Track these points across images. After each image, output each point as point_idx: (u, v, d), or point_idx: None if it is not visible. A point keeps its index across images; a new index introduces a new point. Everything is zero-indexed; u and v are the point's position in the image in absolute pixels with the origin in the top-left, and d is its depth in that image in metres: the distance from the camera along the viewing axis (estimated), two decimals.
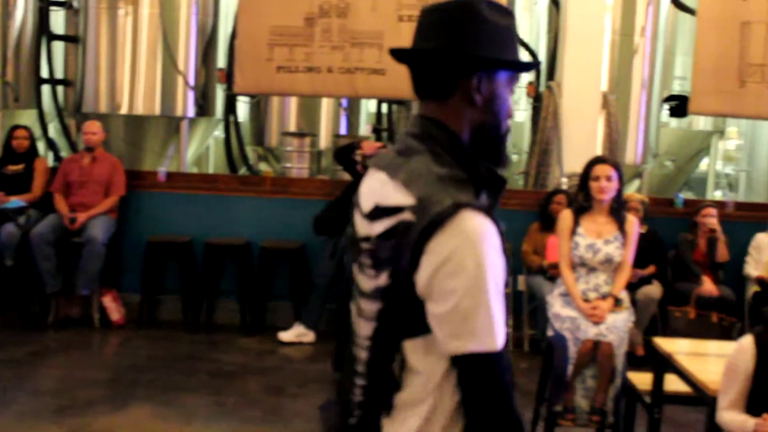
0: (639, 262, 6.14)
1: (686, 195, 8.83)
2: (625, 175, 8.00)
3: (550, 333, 4.55)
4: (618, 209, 4.57)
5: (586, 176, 4.57)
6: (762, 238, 6.73)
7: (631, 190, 7.80)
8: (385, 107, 8.50)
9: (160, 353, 6.28)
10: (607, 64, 7.66)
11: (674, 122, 9.13)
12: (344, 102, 8.55)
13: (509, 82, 1.74)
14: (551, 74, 7.93)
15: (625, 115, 7.73)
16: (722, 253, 6.63)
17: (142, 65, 7.67)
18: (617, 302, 4.52)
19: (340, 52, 7.18)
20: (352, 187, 6.82)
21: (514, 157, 8.89)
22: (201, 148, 8.67)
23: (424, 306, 1.61)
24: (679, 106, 7.93)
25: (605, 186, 4.47)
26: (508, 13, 1.72)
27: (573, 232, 4.54)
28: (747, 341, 3.27)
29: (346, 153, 6.54)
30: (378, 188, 1.71)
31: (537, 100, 7.88)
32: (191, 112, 7.94)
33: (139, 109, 7.74)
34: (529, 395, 4.70)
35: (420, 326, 1.63)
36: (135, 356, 6.24)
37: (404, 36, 7.05)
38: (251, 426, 4.98)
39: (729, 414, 3.24)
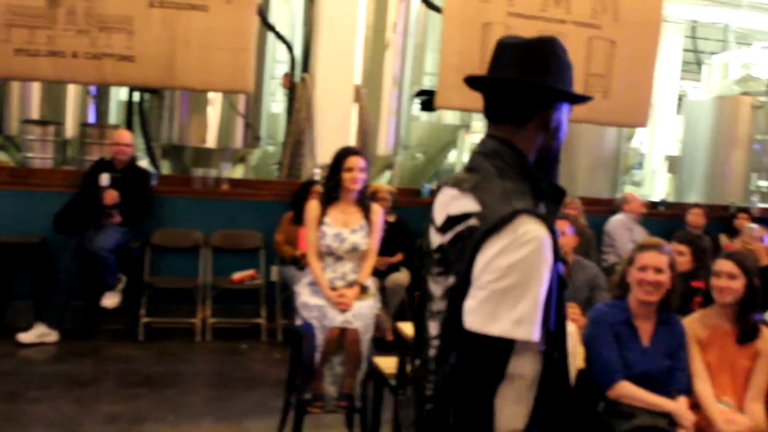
0: (387, 250, 6.36)
1: (435, 186, 9.23)
2: (377, 166, 8.27)
3: (298, 322, 4.57)
4: (363, 199, 4.69)
5: (337, 167, 4.63)
6: None
7: (383, 181, 8.04)
8: (137, 96, 8.19)
9: None
10: (360, 58, 7.83)
11: (425, 116, 9.51)
12: (93, 89, 8.16)
13: (568, 111, 1.97)
14: (306, 66, 8.00)
15: (377, 108, 7.95)
16: None
17: None
18: (363, 290, 4.63)
19: (86, 37, 6.79)
20: (88, 187, 6.53)
21: (270, 148, 8.89)
22: None
23: None
24: (429, 100, 8.23)
25: (359, 177, 4.57)
26: (567, 53, 1.94)
27: (320, 222, 4.60)
28: None
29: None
30: (448, 201, 1.90)
31: (292, 91, 7.91)
32: None
33: None
34: (282, 385, 4.71)
35: None
36: None
37: (155, 22, 6.80)
38: None
39: None
